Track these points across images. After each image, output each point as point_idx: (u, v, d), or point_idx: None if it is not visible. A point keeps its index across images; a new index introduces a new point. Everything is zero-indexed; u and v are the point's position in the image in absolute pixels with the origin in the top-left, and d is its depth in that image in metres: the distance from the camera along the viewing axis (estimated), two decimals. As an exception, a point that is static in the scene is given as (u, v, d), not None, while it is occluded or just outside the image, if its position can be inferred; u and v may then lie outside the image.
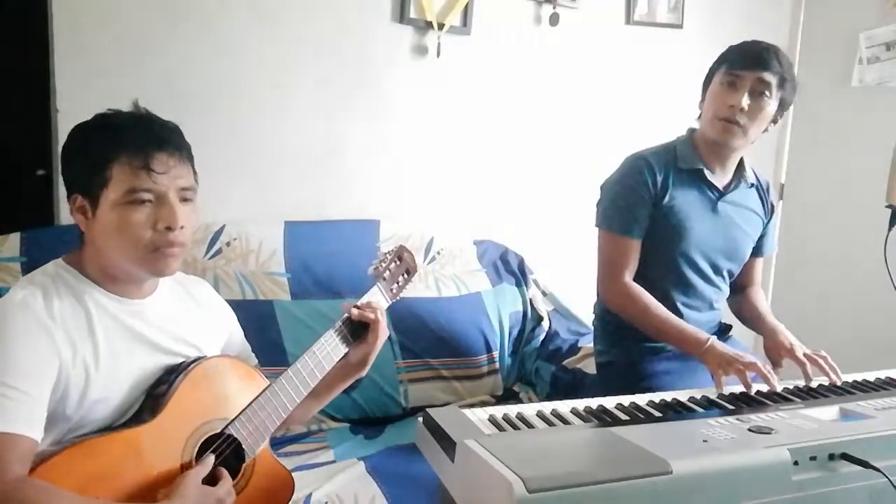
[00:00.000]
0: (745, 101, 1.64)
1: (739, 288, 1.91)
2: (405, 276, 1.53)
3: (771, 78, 1.64)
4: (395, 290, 1.51)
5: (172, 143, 1.18)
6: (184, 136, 1.23)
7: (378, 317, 1.38)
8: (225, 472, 1.19)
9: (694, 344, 1.59)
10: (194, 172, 1.23)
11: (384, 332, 1.40)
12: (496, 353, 2.19)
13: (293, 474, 1.35)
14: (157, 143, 1.15)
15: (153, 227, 1.15)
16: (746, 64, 1.64)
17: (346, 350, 1.38)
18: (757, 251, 1.89)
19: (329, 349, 1.35)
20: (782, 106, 1.70)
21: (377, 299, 1.44)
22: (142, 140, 1.15)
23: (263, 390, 1.27)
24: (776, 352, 1.67)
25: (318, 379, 1.33)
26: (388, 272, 1.49)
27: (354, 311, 1.38)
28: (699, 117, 1.78)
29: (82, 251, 1.20)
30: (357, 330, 1.39)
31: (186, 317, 1.30)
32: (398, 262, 1.51)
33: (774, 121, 1.73)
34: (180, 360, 1.25)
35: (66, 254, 1.22)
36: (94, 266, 1.19)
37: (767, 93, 1.65)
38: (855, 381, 1.51)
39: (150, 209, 1.15)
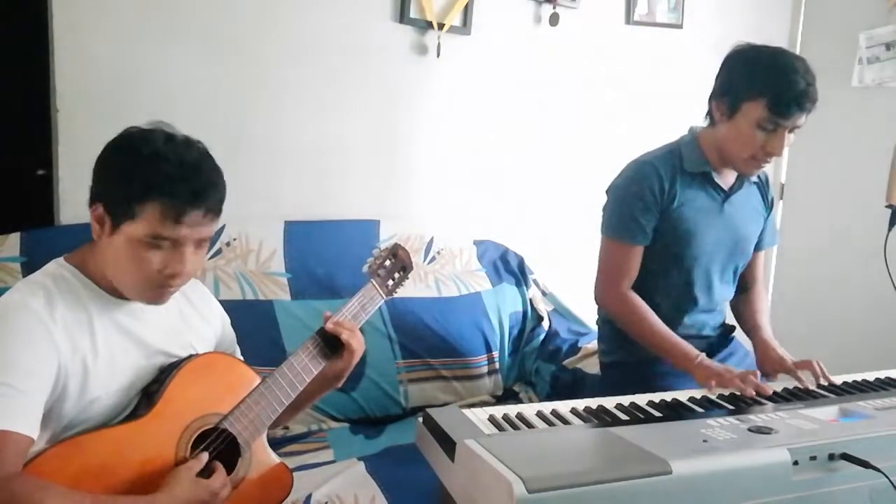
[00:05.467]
0: (786, 147, 1.62)
1: (741, 287, 1.90)
2: (401, 272, 1.54)
3: (808, 115, 1.60)
4: (390, 286, 1.52)
5: (209, 202, 1.14)
6: (224, 188, 1.19)
7: (349, 338, 1.35)
8: (219, 466, 1.19)
9: (684, 359, 1.61)
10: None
11: (359, 348, 1.38)
12: (496, 353, 2.19)
13: (293, 474, 1.35)
14: (195, 200, 1.12)
15: (160, 269, 1.14)
16: (793, 110, 1.56)
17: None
18: (758, 245, 1.88)
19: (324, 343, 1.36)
20: None
21: (371, 295, 1.45)
22: (182, 195, 1.11)
23: (258, 384, 1.28)
24: (767, 365, 1.69)
25: (314, 373, 1.34)
26: (382, 269, 1.50)
27: (329, 326, 1.36)
28: (709, 121, 1.72)
29: (87, 251, 1.20)
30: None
31: (182, 318, 1.31)
32: (393, 259, 1.52)
33: None
34: (175, 360, 1.26)
35: (66, 253, 1.22)
36: (97, 267, 1.19)
37: (799, 124, 1.61)
38: (854, 381, 1.51)
39: (163, 253, 1.14)
